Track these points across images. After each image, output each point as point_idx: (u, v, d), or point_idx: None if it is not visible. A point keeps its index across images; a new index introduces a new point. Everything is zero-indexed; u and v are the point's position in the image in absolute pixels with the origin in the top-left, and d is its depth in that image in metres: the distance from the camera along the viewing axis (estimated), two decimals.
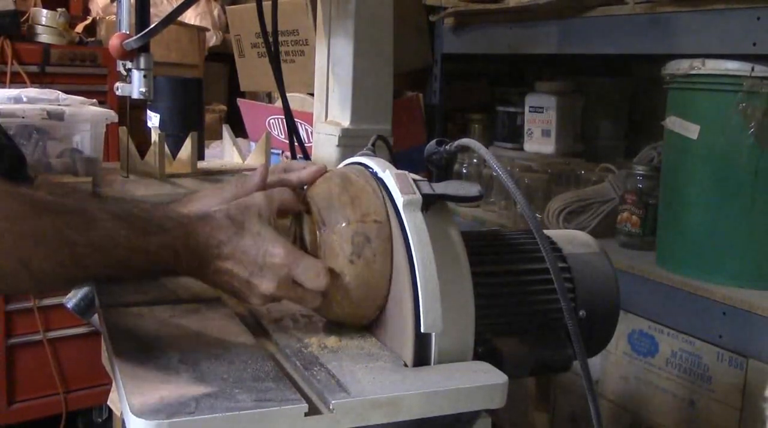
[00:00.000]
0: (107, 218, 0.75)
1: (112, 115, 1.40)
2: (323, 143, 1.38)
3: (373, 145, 1.00)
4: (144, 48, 1.17)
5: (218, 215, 0.80)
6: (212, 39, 3.12)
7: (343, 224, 0.81)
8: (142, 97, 1.19)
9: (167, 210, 0.81)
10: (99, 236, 0.73)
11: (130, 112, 1.44)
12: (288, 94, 1.37)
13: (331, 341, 0.83)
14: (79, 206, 0.75)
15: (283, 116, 1.61)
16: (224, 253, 0.78)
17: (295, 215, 0.87)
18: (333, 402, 0.68)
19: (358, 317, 0.84)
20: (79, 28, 2.81)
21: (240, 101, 2.46)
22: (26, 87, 2.01)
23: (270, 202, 0.83)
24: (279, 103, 1.98)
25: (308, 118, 1.60)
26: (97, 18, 2.96)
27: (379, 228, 0.81)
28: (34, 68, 2.45)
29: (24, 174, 1.04)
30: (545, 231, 0.93)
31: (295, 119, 1.40)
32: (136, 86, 1.19)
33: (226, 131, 1.58)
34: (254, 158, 1.51)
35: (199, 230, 0.78)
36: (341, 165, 0.96)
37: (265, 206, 0.82)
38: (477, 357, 0.80)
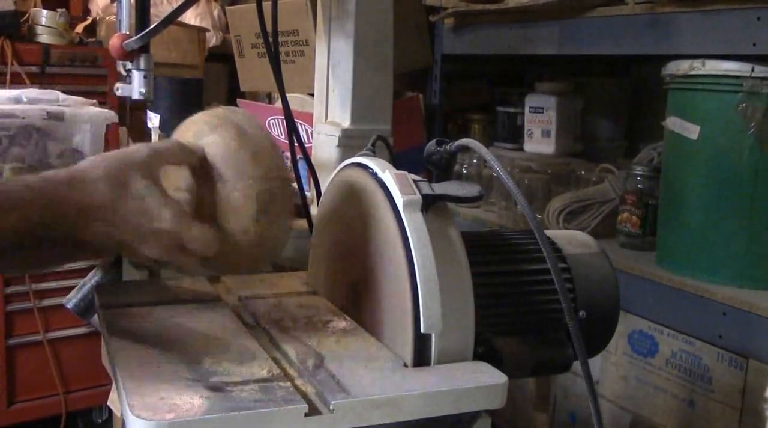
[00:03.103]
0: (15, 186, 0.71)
1: (112, 115, 1.40)
2: (323, 143, 1.38)
3: (373, 145, 1.00)
4: (144, 48, 1.17)
5: (93, 176, 0.73)
6: (212, 39, 3.12)
7: (248, 182, 0.78)
8: (142, 97, 1.19)
9: (39, 177, 0.73)
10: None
11: (130, 112, 1.45)
12: (288, 95, 1.37)
13: (331, 341, 0.83)
14: None
15: (283, 116, 1.61)
16: (101, 216, 0.72)
17: (190, 168, 0.81)
18: (333, 402, 0.68)
19: (249, 271, 0.82)
20: (79, 28, 2.81)
21: (240, 102, 2.46)
22: (26, 87, 2.01)
23: (156, 156, 0.76)
24: (279, 104, 1.98)
25: (308, 118, 1.60)
26: (97, 18, 2.96)
27: (282, 185, 0.79)
28: (34, 69, 2.45)
29: None
30: (545, 231, 0.93)
31: (295, 120, 1.40)
32: (136, 87, 1.19)
33: None
34: None
35: (67, 195, 0.72)
36: (341, 166, 0.96)
37: (151, 160, 0.75)
38: (477, 357, 0.80)
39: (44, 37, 2.54)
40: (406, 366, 0.77)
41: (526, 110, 2.26)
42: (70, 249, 0.75)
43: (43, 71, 2.46)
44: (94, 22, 2.93)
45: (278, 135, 2.25)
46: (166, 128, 1.50)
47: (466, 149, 0.89)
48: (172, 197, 0.76)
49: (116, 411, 1.73)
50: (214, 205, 0.79)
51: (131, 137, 1.42)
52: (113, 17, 2.67)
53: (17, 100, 1.36)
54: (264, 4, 1.32)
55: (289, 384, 0.71)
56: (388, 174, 0.83)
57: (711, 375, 1.44)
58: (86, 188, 0.72)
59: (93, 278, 1.22)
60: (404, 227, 0.79)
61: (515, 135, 2.36)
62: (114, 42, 1.17)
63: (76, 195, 0.72)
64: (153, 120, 1.54)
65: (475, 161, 2.20)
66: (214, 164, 0.79)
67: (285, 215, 0.80)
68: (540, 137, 2.23)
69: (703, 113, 1.49)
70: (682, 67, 1.50)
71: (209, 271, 0.83)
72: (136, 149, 0.75)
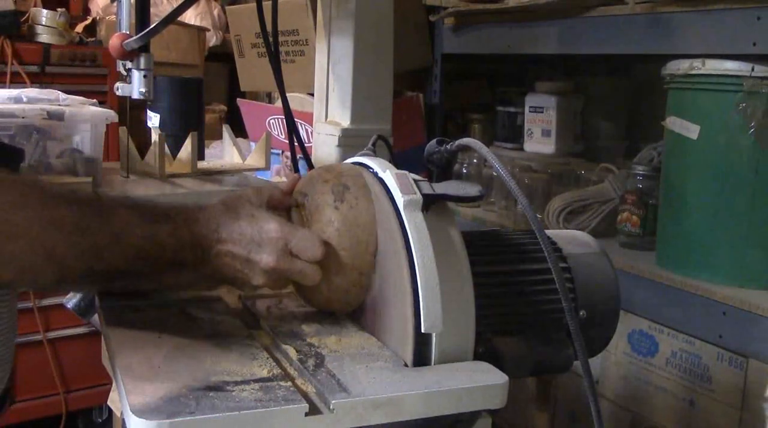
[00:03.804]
0: (119, 206, 0.78)
1: (112, 115, 1.40)
2: (323, 143, 1.38)
3: (373, 145, 1.00)
4: (144, 48, 1.17)
5: (214, 204, 0.85)
6: (212, 39, 3.12)
7: (322, 183, 0.86)
8: (142, 97, 1.19)
9: (170, 202, 0.84)
10: (116, 223, 0.76)
11: (130, 112, 1.44)
12: (288, 95, 1.37)
13: (332, 341, 0.83)
14: (93, 197, 0.80)
15: (283, 116, 1.61)
16: (222, 236, 0.81)
17: (286, 210, 0.90)
18: (333, 402, 0.68)
19: (354, 273, 0.84)
20: (79, 28, 2.81)
21: (240, 101, 2.46)
22: (26, 87, 2.01)
23: (259, 193, 0.87)
24: (279, 104, 1.98)
25: (308, 118, 1.60)
26: (97, 18, 2.96)
27: (355, 179, 0.85)
28: (34, 68, 2.45)
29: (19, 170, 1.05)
30: (545, 231, 0.93)
31: (295, 119, 1.40)
32: (136, 86, 1.19)
33: (226, 131, 1.58)
34: (254, 158, 1.51)
35: (199, 216, 0.82)
36: (341, 164, 0.96)
37: (255, 196, 0.86)
38: (477, 357, 0.80)
39: (44, 36, 2.54)
40: (406, 365, 0.77)
41: (526, 109, 2.26)
42: (193, 275, 0.82)
43: (43, 71, 2.46)
44: (94, 22, 2.93)
45: (278, 135, 2.25)
46: (166, 128, 1.50)
47: (466, 148, 0.89)
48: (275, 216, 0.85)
49: (116, 411, 1.73)
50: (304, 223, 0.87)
51: (131, 136, 1.42)
52: (113, 17, 2.67)
53: (17, 100, 1.35)
54: (264, 3, 1.32)
55: (289, 383, 0.71)
56: (388, 174, 0.83)
57: (711, 374, 1.44)
58: (211, 210, 0.83)
59: None
60: (404, 226, 0.79)
61: (515, 135, 2.36)
62: (114, 42, 1.16)
63: (206, 215, 0.82)
64: (153, 120, 1.54)
65: (475, 160, 2.20)
66: (301, 190, 0.89)
67: (362, 199, 0.84)
68: (540, 136, 2.23)
69: (703, 112, 1.49)
70: (682, 66, 1.50)
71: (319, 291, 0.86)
72: (242, 189, 0.87)
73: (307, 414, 0.67)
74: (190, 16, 3.05)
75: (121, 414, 0.72)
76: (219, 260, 0.81)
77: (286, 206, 0.89)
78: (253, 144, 2.28)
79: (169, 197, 1.20)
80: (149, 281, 0.82)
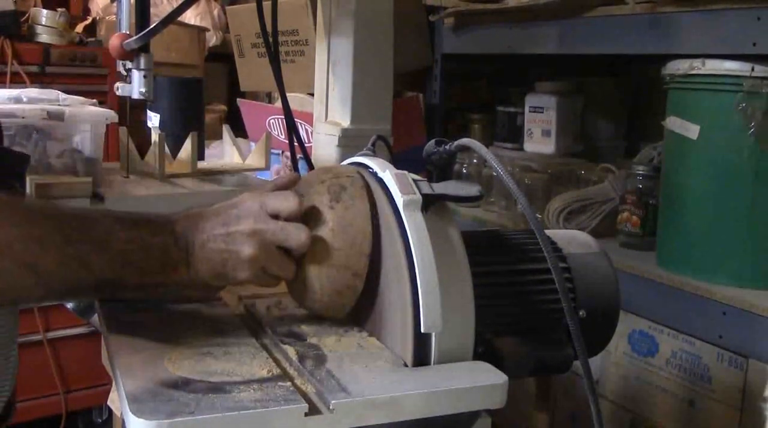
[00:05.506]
0: (102, 216, 0.78)
1: (112, 115, 1.39)
2: (323, 143, 1.38)
3: (373, 145, 1.00)
4: (144, 48, 1.17)
5: (203, 211, 0.84)
6: (212, 39, 3.12)
7: (319, 184, 0.85)
8: (142, 97, 1.19)
9: (146, 211, 0.84)
10: (97, 231, 0.76)
11: (130, 112, 1.44)
12: (288, 95, 1.37)
13: (331, 341, 0.83)
14: (76, 209, 0.79)
15: (283, 116, 1.61)
16: (205, 226, 0.81)
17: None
18: (333, 402, 0.68)
19: (348, 274, 0.83)
20: (79, 28, 2.81)
21: (240, 101, 2.46)
22: (26, 87, 2.00)
23: (261, 203, 0.83)
24: (279, 104, 1.98)
25: (308, 118, 1.60)
26: (97, 18, 2.96)
27: (352, 180, 0.85)
28: (34, 68, 2.45)
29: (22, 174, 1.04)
30: (545, 231, 0.93)
31: (295, 119, 1.40)
32: (136, 86, 1.19)
33: (226, 131, 1.58)
34: (254, 158, 1.51)
35: (178, 217, 0.82)
36: (340, 166, 0.96)
37: (258, 208, 0.83)
38: (477, 357, 0.80)
39: (44, 36, 2.53)
40: (406, 365, 0.77)
41: (526, 109, 2.26)
42: (182, 278, 0.82)
43: (43, 71, 2.46)
44: (94, 22, 2.93)
45: (278, 135, 2.25)
46: (166, 128, 1.50)
47: (465, 148, 0.89)
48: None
49: (116, 411, 1.73)
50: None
51: (131, 136, 1.42)
52: (113, 17, 2.67)
53: (17, 100, 1.35)
54: (264, 4, 1.32)
55: (289, 383, 0.71)
56: (388, 174, 0.83)
57: (711, 374, 1.44)
58: (187, 212, 0.83)
59: None
60: (404, 226, 0.79)
61: (515, 135, 2.36)
62: (114, 42, 1.16)
63: (192, 220, 0.83)
64: (153, 120, 1.54)
65: (475, 160, 2.20)
66: (298, 191, 0.87)
67: (359, 201, 0.83)
68: (540, 136, 2.23)
69: (703, 112, 1.49)
70: (682, 67, 1.50)
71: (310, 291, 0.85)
72: (240, 198, 0.85)
73: (306, 414, 0.67)
74: (190, 17, 3.05)
75: (121, 414, 0.72)
76: (204, 249, 0.80)
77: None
78: (253, 144, 2.28)
79: (169, 197, 1.20)
80: (139, 289, 0.81)
